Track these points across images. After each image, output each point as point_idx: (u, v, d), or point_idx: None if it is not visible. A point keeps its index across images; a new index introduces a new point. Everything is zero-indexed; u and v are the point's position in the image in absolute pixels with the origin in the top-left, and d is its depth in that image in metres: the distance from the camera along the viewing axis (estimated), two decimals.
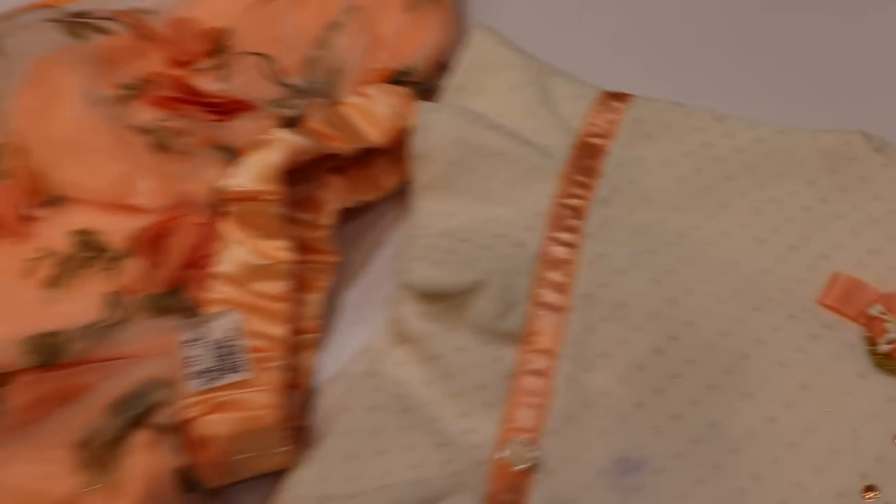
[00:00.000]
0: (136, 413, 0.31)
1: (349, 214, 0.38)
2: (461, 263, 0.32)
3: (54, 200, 0.40)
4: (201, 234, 0.35)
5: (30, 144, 0.40)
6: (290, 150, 0.34)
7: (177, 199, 0.37)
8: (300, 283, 0.35)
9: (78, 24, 0.42)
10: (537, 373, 0.32)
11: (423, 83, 0.39)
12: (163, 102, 0.38)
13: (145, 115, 0.37)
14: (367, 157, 0.37)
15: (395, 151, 0.37)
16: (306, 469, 0.31)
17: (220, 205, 0.35)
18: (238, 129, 0.37)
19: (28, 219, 0.40)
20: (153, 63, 0.43)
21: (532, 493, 0.30)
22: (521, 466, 0.30)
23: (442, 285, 0.32)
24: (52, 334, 0.34)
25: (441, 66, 0.39)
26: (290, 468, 0.32)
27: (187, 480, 0.31)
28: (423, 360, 0.33)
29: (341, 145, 0.35)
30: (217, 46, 0.42)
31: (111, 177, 0.39)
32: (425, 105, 0.37)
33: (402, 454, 0.31)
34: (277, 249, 0.34)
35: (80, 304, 0.36)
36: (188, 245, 0.35)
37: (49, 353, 0.33)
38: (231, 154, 0.36)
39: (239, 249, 0.35)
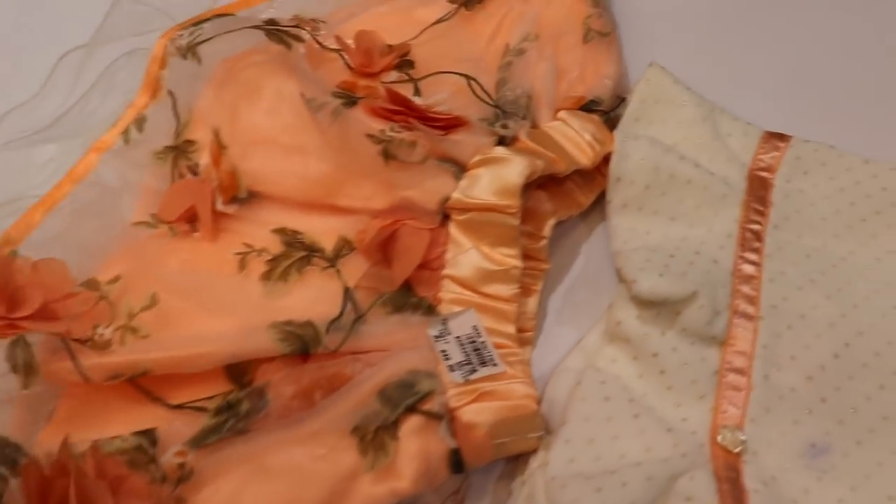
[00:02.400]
0: (407, 401, 0.35)
1: None
2: (679, 276, 0.38)
3: (247, 197, 0.43)
4: (430, 239, 0.39)
5: (226, 142, 0.43)
6: (530, 169, 0.38)
7: (397, 204, 0.40)
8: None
9: (274, 31, 0.44)
10: (738, 371, 0.37)
11: (608, 112, 0.43)
12: (382, 113, 0.40)
13: (371, 123, 0.40)
14: (563, 177, 0.42)
15: (590, 172, 0.42)
16: (554, 452, 0.35)
17: (453, 212, 0.39)
18: (460, 143, 0.40)
19: (222, 215, 0.42)
20: (336, 71, 0.46)
21: (745, 472, 0.35)
22: (736, 449, 0.35)
23: (666, 294, 0.37)
24: (304, 325, 0.36)
25: (619, 98, 0.44)
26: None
27: (455, 462, 0.35)
28: (636, 357, 0.38)
29: (561, 167, 0.40)
30: (401, 61, 0.46)
31: (315, 177, 0.42)
32: (621, 132, 0.42)
33: (635, 439, 0.35)
34: (509, 256, 0.38)
35: (305, 300, 0.39)
36: (423, 248, 0.38)
37: (303, 342, 0.36)
38: (455, 166, 0.40)
39: (473, 254, 0.39)
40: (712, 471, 0.34)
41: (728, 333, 0.38)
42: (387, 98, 0.41)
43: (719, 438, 0.35)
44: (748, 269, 0.39)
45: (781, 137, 0.44)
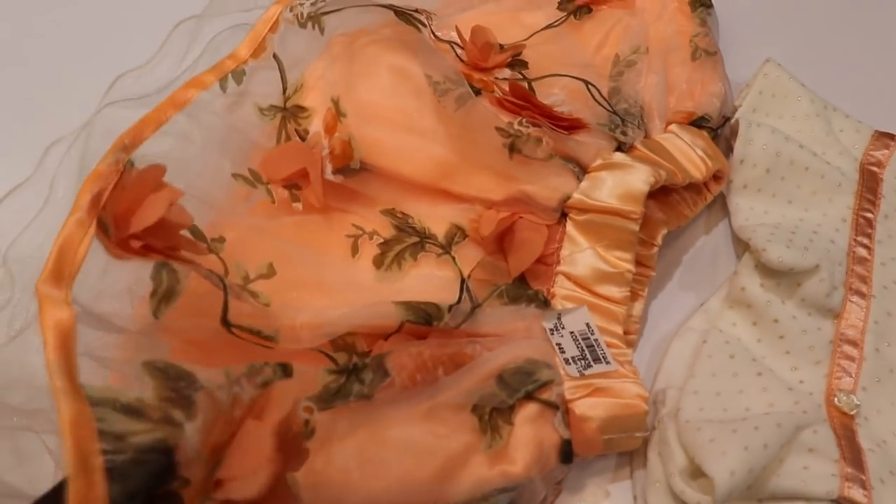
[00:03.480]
0: (526, 388, 0.36)
1: None
2: (802, 249, 0.40)
3: (357, 169, 0.43)
4: (547, 235, 0.40)
5: (344, 111, 0.43)
6: (654, 178, 0.39)
7: (514, 197, 0.41)
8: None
9: (402, 11, 0.44)
10: (851, 342, 0.40)
11: (715, 130, 0.45)
12: (509, 107, 0.41)
13: (498, 115, 0.41)
14: (669, 189, 0.43)
15: (696, 186, 0.43)
16: (684, 402, 0.37)
17: (572, 211, 0.40)
18: (583, 144, 0.41)
19: (329, 184, 0.42)
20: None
21: (858, 432, 0.37)
22: (851, 411, 0.38)
23: (792, 264, 0.40)
24: (428, 304, 0.37)
25: (724, 117, 0.45)
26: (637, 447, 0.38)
27: (565, 452, 0.36)
28: (756, 322, 0.40)
29: (679, 179, 0.41)
30: (514, 60, 0.46)
31: (432, 159, 0.42)
32: (744, 119, 0.45)
33: (759, 394, 0.37)
34: (624, 260, 0.39)
35: (418, 286, 0.39)
36: (542, 242, 0.39)
37: (426, 315, 0.36)
38: (577, 166, 0.41)
39: (589, 254, 0.40)
40: (831, 427, 0.37)
41: (843, 308, 0.41)
42: (510, 93, 0.42)
43: (835, 400, 0.38)
44: (861, 251, 0.42)
45: (891, 137, 0.47)
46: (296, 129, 0.43)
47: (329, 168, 0.42)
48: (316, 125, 0.43)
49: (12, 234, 0.40)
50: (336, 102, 0.43)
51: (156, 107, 0.41)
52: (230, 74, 0.44)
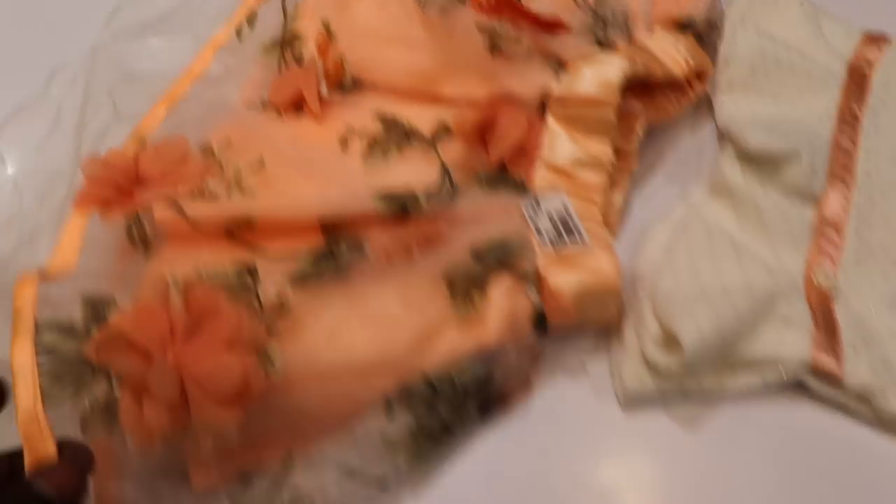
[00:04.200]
0: (498, 258, 0.37)
1: None
2: (784, 135, 0.41)
3: (351, 86, 0.45)
4: (527, 126, 0.41)
5: (335, 32, 0.45)
6: (630, 70, 0.40)
7: (497, 94, 0.42)
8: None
9: None
10: (833, 225, 0.40)
11: (701, 36, 0.45)
12: (489, 9, 0.43)
13: (479, 18, 0.42)
14: (653, 87, 0.44)
15: (681, 87, 0.44)
16: (663, 279, 0.37)
17: (553, 105, 0.41)
18: (563, 43, 0.42)
19: (326, 101, 0.45)
20: None
21: (836, 310, 0.37)
22: (829, 290, 0.38)
23: (773, 150, 0.40)
24: (403, 190, 0.38)
25: (711, 23, 0.46)
26: (615, 326, 0.38)
27: (539, 321, 0.37)
28: (737, 209, 0.41)
29: (658, 73, 0.42)
30: None
31: (419, 67, 0.44)
32: (730, 21, 0.46)
33: (737, 273, 0.37)
34: (602, 148, 0.40)
35: (403, 176, 0.41)
36: (518, 134, 0.41)
37: (402, 204, 0.38)
38: (557, 64, 0.42)
39: (567, 143, 0.41)
40: (808, 302, 0.38)
41: (825, 194, 0.41)
42: None
43: (814, 278, 0.38)
44: (846, 143, 0.42)
45: (882, 38, 0.47)
46: (293, 57, 0.46)
47: (324, 86, 0.45)
48: (311, 48, 0.46)
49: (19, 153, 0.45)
50: (327, 26, 0.46)
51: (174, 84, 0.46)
52: (244, 22, 0.48)
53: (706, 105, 0.46)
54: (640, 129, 0.42)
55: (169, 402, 0.31)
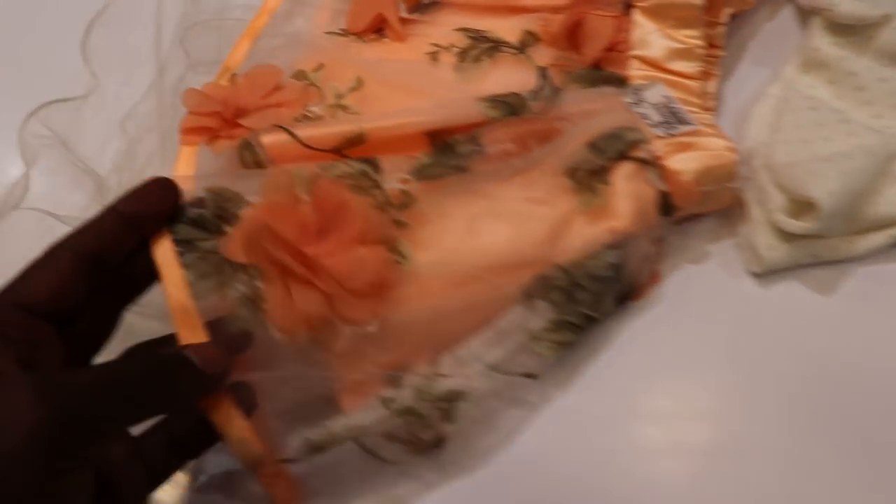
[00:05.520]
0: (616, 149, 0.37)
1: None
2: (873, 1, 0.40)
3: (428, 4, 0.46)
4: (616, 24, 0.41)
5: None
6: None
7: None
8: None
9: None
10: None
11: None
12: None
13: None
14: None
15: None
16: (776, 150, 0.38)
17: (638, 0, 0.41)
18: None
19: (406, 21, 0.45)
20: None
21: None
22: None
23: (863, 15, 0.40)
24: (511, 94, 0.38)
25: None
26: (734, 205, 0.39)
27: (664, 205, 0.37)
28: (833, 80, 0.40)
29: None
30: None
31: None
32: None
33: (846, 139, 0.38)
34: (692, 37, 0.40)
35: (498, 83, 0.40)
36: (609, 32, 0.41)
37: (511, 108, 0.38)
38: None
39: (658, 35, 0.41)
40: None
41: None
42: None
43: None
44: None
45: None
46: None
47: (402, 7, 0.45)
48: None
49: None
50: None
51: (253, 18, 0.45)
52: None
53: None
54: (724, 15, 0.42)
55: (318, 290, 0.31)
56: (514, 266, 0.35)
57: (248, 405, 0.31)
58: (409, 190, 0.35)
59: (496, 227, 0.36)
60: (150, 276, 0.32)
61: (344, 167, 0.35)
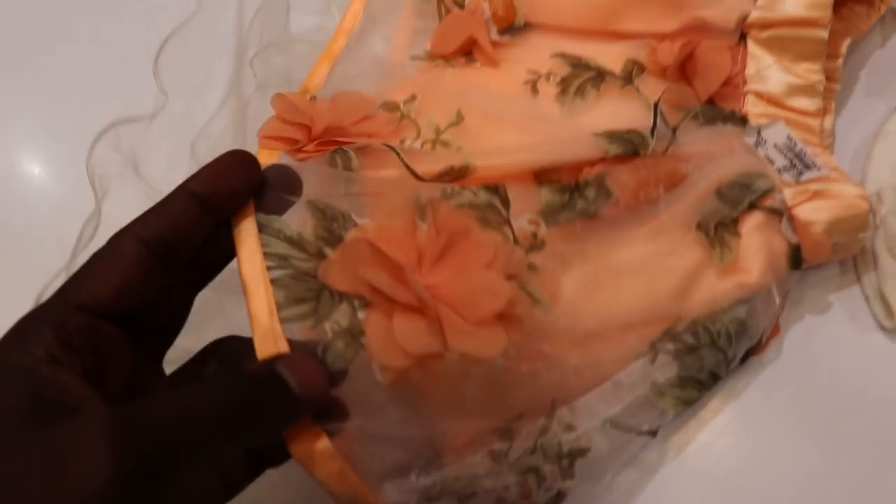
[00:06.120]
0: (747, 198, 0.35)
1: None
2: None
3: (522, 27, 0.42)
4: (732, 56, 0.39)
5: None
6: None
7: (689, 25, 0.40)
8: None
9: None
10: None
11: None
12: None
13: None
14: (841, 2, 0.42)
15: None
16: None
17: (753, 29, 0.39)
18: None
19: (498, 44, 0.42)
20: None
21: None
22: None
23: None
24: (630, 131, 0.36)
25: None
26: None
27: (794, 258, 0.35)
28: None
29: None
30: None
31: (596, 2, 0.41)
32: None
33: None
34: (813, 71, 0.38)
35: (606, 116, 0.38)
36: (726, 67, 0.38)
37: (632, 145, 0.36)
38: None
39: (776, 69, 0.38)
40: None
41: None
42: None
43: None
44: None
45: None
46: (454, 1, 0.43)
47: (494, 30, 0.42)
48: None
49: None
50: None
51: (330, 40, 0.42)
52: None
53: (888, 15, 0.43)
54: (844, 47, 0.40)
55: (427, 321, 0.27)
56: (641, 323, 0.34)
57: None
58: (538, 233, 0.33)
59: (624, 281, 0.34)
60: (227, 256, 0.29)
61: (469, 195, 0.32)
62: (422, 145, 0.37)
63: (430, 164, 0.34)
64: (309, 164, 0.33)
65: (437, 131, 0.38)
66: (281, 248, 0.29)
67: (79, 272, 0.26)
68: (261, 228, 0.29)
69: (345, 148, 0.34)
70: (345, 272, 0.28)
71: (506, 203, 0.32)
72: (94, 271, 0.26)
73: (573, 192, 0.34)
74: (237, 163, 0.29)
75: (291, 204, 0.30)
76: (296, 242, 0.29)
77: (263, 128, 0.36)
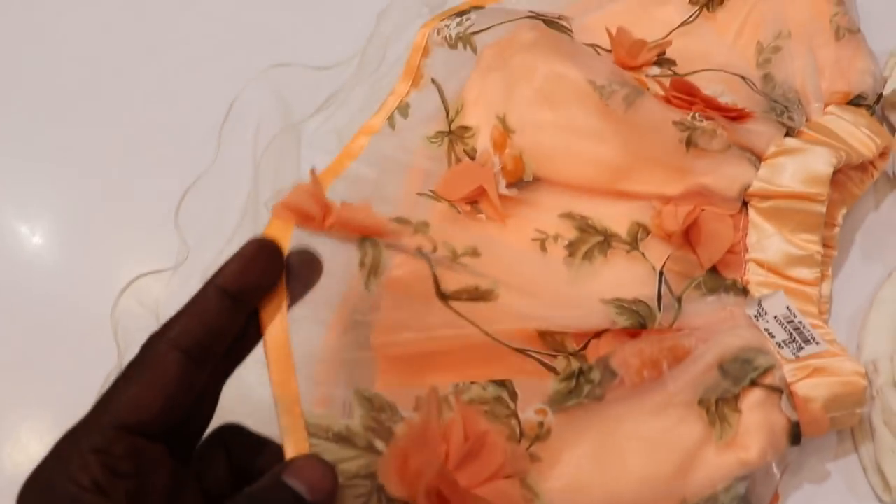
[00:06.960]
0: (747, 375, 0.36)
1: None
2: None
3: (530, 181, 0.44)
4: (735, 224, 0.41)
5: (512, 127, 0.44)
6: (836, 159, 0.40)
7: (693, 190, 0.41)
8: None
9: (547, 20, 0.45)
10: None
11: (872, 107, 0.45)
12: (677, 103, 0.42)
13: (669, 112, 0.41)
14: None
15: (863, 164, 0.44)
16: None
17: (753, 199, 0.41)
18: (755, 132, 0.41)
19: (505, 198, 0.44)
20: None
21: None
22: None
23: None
24: (638, 301, 0.38)
25: (878, 94, 0.46)
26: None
27: (794, 434, 0.36)
28: None
29: (853, 158, 0.41)
30: (660, 58, 0.47)
31: (604, 161, 0.43)
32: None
33: None
34: (811, 242, 0.40)
35: (612, 282, 0.40)
36: (729, 235, 0.40)
37: (639, 317, 0.37)
38: (752, 155, 0.41)
39: (777, 240, 0.40)
40: None
41: None
42: (674, 88, 0.43)
43: None
44: None
45: None
46: (464, 150, 0.45)
47: (503, 183, 0.44)
48: (482, 142, 0.45)
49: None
50: (502, 119, 0.44)
51: (333, 160, 0.44)
52: (396, 111, 0.46)
53: (881, 177, 0.45)
54: (840, 216, 0.42)
55: None
56: (643, 502, 0.35)
57: None
58: (545, 422, 0.34)
59: (626, 459, 0.35)
60: (255, 340, 0.28)
61: (479, 390, 0.34)
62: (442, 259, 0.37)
63: (456, 278, 0.36)
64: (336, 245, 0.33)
65: (454, 254, 0.38)
66: (329, 451, 0.28)
67: (118, 388, 0.25)
68: (310, 433, 0.28)
69: (375, 240, 0.34)
70: (403, 478, 0.29)
71: (513, 396, 0.34)
72: (136, 388, 0.25)
73: (579, 377, 0.35)
74: (262, 252, 0.28)
75: (313, 286, 0.29)
76: (344, 438, 0.29)
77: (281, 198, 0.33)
